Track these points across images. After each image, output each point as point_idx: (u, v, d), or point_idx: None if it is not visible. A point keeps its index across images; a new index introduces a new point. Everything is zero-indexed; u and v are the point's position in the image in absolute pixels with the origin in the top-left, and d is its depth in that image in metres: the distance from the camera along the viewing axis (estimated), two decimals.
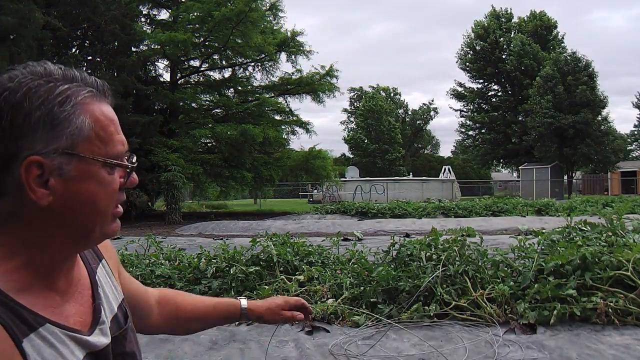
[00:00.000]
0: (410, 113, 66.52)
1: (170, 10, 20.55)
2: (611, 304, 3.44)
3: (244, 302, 1.20)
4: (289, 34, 21.17)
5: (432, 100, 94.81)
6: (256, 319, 1.22)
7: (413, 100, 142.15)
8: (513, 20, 43.78)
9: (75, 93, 0.70)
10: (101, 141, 0.72)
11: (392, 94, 65.31)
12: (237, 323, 3.84)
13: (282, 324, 1.15)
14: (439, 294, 3.74)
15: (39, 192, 0.67)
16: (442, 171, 37.31)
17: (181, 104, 19.95)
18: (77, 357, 0.71)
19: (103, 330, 0.79)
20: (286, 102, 22.41)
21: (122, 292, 0.94)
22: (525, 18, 42.97)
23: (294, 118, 22.24)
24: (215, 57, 21.00)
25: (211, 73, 22.21)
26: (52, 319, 0.70)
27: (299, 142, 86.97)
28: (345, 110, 62.32)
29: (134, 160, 0.78)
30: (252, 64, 21.35)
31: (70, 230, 0.72)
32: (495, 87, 45.24)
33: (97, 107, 0.72)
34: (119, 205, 0.76)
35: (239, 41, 18.97)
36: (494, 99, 44.90)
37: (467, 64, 44.02)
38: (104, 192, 0.72)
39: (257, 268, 4.33)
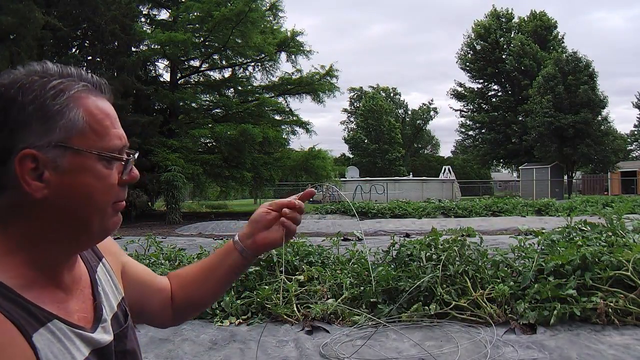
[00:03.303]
0: (410, 113, 66.53)
1: (170, 10, 20.55)
2: (611, 304, 3.44)
3: (235, 236, 1.03)
4: (289, 34, 21.17)
5: (432, 100, 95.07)
6: (251, 244, 1.00)
7: (413, 100, 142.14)
8: (513, 21, 43.78)
9: (68, 87, 0.71)
10: (96, 135, 0.72)
11: (392, 94, 65.33)
12: (237, 322, 3.85)
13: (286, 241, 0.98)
14: (439, 294, 3.74)
15: (34, 184, 0.68)
16: (442, 171, 37.29)
17: (181, 104, 19.95)
18: (83, 354, 0.72)
19: (105, 328, 0.80)
20: (286, 102, 22.44)
21: (131, 279, 0.96)
22: (526, 18, 42.97)
23: (294, 118, 22.24)
24: (215, 57, 21.00)
25: (211, 73, 22.22)
26: (59, 315, 0.71)
27: (299, 142, 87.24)
28: (345, 110, 62.43)
29: (135, 155, 0.78)
30: (252, 64, 21.35)
31: (69, 224, 0.73)
32: (495, 87, 45.27)
33: (92, 101, 0.73)
34: (122, 200, 0.77)
35: (239, 41, 18.97)
36: (494, 99, 44.91)
37: (467, 63, 44.04)
38: (100, 185, 0.73)
39: (257, 268, 4.33)
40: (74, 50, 19.15)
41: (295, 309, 3.90)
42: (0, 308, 0.64)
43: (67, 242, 0.74)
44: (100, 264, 0.89)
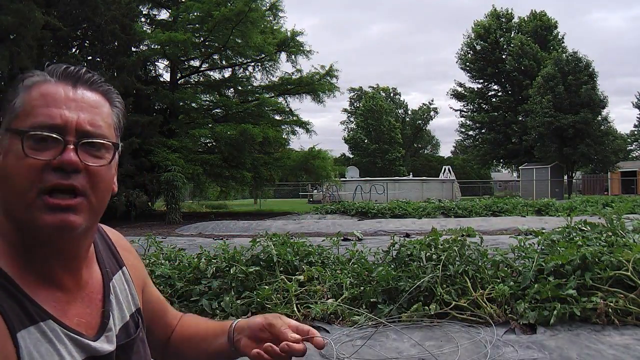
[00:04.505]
0: (410, 113, 66.55)
1: (170, 10, 20.55)
2: (611, 304, 3.44)
3: (236, 321, 0.94)
4: (289, 33, 21.18)
5: (432, 100, 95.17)
6: (237, 343, 0.90)
7: (413, 100, 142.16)
8: (513, 21, 43.79)
9: (27, 78, 0.75)
10: (26, 115, 0.71)
11: (392, 94, 65.35)
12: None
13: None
14: (439, 294, 3.74)
15: None
16: (442, 171, 37.30)
17: (181, 104, 19.96)
18: (75, 359, 0.71)
19: (109, 337, 0.78)
20: (286, 102, 22.44)
21: (145, 303, 0.94)
22: (526, 18, 42.99)
23: (294, 118, 22.24)
24: (215, 57, 21.00)
25: (211, 73, 22.23)
26: (54, 315, 0.70)
27: (299, 142, 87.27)
28: (345, 110, 62.45)
29: (80, 140, 0.71)
30: (252, 64, 21.36)
31: (4, 208, 0.72)
32: (495, 87, 45.28)
33: (38, 87, 0.73)
34: (57, 194, 0.69)
35: (239, 41, 18.97)
36: (494, 99, 44.92)
37: (467, 63, 44.05)
38: (18, 167, 0.69)
39: (257, 268, 4.33)
40: (74, 50, 19.14)
41: (295, 309, 3.90)
42: None
43: (14, 234, 0.72)
44: (120, 271, 0.87)
